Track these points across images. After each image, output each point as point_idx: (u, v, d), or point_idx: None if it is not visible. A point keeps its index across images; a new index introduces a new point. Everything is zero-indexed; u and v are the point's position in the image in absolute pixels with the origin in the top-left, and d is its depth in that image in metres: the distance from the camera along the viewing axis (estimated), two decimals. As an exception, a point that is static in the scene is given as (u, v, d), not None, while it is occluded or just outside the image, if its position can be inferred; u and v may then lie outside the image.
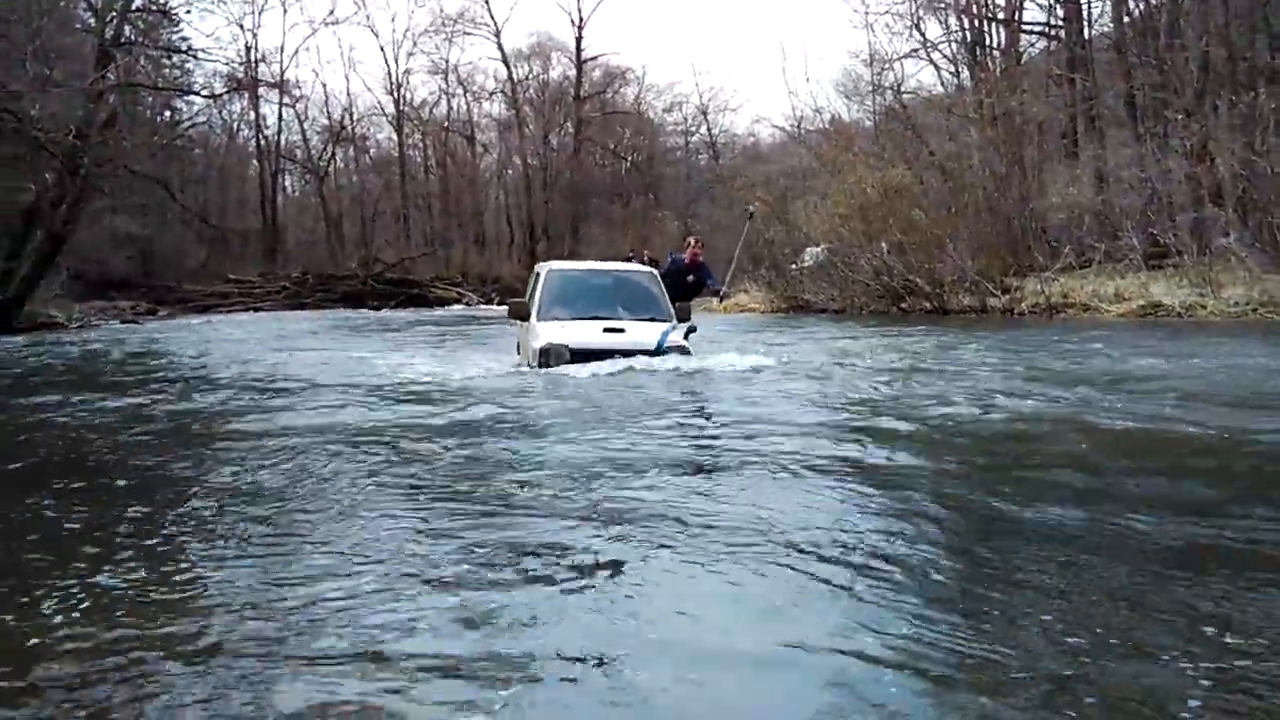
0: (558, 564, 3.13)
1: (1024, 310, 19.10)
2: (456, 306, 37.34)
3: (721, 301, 12.27)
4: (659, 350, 9.13)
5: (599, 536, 3.42)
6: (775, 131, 44.62)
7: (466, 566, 3.11)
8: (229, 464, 4.96)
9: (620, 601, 2.82)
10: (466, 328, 20.71)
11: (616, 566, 3.10)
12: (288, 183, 56.18)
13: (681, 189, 50.49)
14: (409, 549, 3.33)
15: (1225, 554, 3.17)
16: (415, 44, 71.12)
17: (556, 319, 9.81)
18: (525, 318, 10.18)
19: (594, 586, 2.94)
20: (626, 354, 8.95)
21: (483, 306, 37.84)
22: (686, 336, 9.79)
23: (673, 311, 10.10)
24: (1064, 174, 23.30)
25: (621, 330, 9.43)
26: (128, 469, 5.04)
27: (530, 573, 3.05)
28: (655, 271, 11.17)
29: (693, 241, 12.29)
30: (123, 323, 26.56)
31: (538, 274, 10.80)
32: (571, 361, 8.96)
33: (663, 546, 3.31)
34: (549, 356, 9.06)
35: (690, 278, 11.64)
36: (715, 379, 8.55)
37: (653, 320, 9.84)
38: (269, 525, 3.73)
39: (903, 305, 21.00)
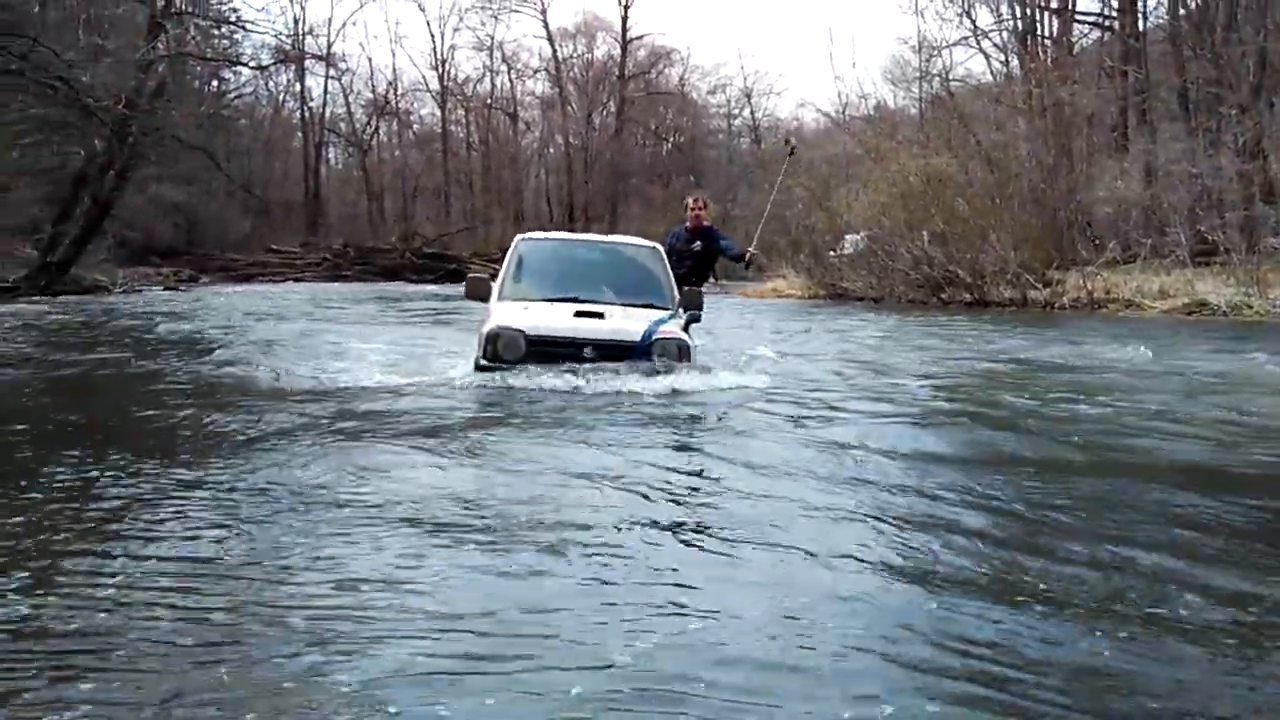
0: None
1: (1065, 304, 18.85)
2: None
3: (749, 268, 9.89)
4: (645, 343, 6.90)
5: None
6: (819, 117, 44.22)
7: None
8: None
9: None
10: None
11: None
12: (331, 155, 56.71)
13: (723, 172, 50.24)
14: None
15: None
16: (461, 20, 71.82)
17: (522, 300, 7.59)
18: (486, 298, 7.70)
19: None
20: (602, 347, 6.84)
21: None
22: (687, 328, 7.54)
23: (677, 297, 7.84)
24: (1112, 167, 22.97)
25: (599, 315, 7.16)
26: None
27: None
28: (658, 246, 8.66)
29: (690, 202, 9.44)
30: (165, 289, 26.91)
31: (512, 246, 8.45)
32: (528, 356, 6.76)
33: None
34: (497, 345, 6.83)
35: (697, 246, 9.04)
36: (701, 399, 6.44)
37: (648, 307, 7.55)
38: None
39: (942, 296, 20.79)
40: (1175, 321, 15.91)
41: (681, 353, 6.98)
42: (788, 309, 20.52)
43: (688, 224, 9.17)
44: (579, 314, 7.14)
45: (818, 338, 12.77)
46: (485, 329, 6.99)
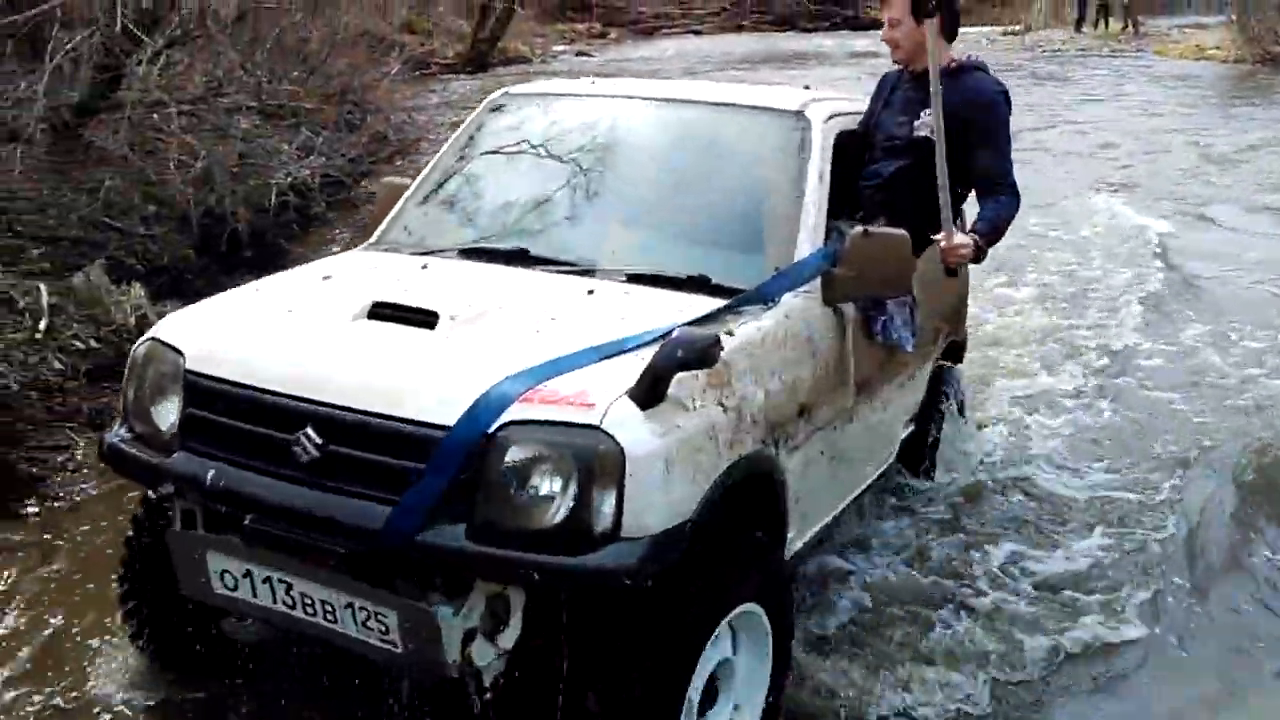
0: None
1: None
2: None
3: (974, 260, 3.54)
4: (469, 433, 2.28)
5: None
6: None
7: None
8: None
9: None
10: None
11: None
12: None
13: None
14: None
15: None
16: None
17: (409, 243, 3.45)
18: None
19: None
20: (341, 432, 2.40)
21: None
22: (661, 377, 2.31)
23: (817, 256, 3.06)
24: None
25: (422, 321, 2.65)
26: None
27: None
28: (804, 113, 3.42)
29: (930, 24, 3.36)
30: (578, 54, 29.10)
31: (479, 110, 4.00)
32: (190, 428, 2.62)
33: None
34: (129, 392, 2.82)
35: (921, 124, 3.54)
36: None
37: (711, 292, 2.91)
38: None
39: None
40: None
41: (592, 476, 2.26)
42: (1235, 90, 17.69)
43: (899, 59, 3.75)
44: (380, 310, 2.75)
45: None
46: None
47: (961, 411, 4.59)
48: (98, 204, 6.73)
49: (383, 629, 2.38)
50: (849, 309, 3.22)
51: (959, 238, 3.40)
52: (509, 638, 2.39)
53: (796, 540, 3.07)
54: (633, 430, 2.26)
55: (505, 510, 2.27)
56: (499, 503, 2.27)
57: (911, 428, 4.15)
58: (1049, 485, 4.61)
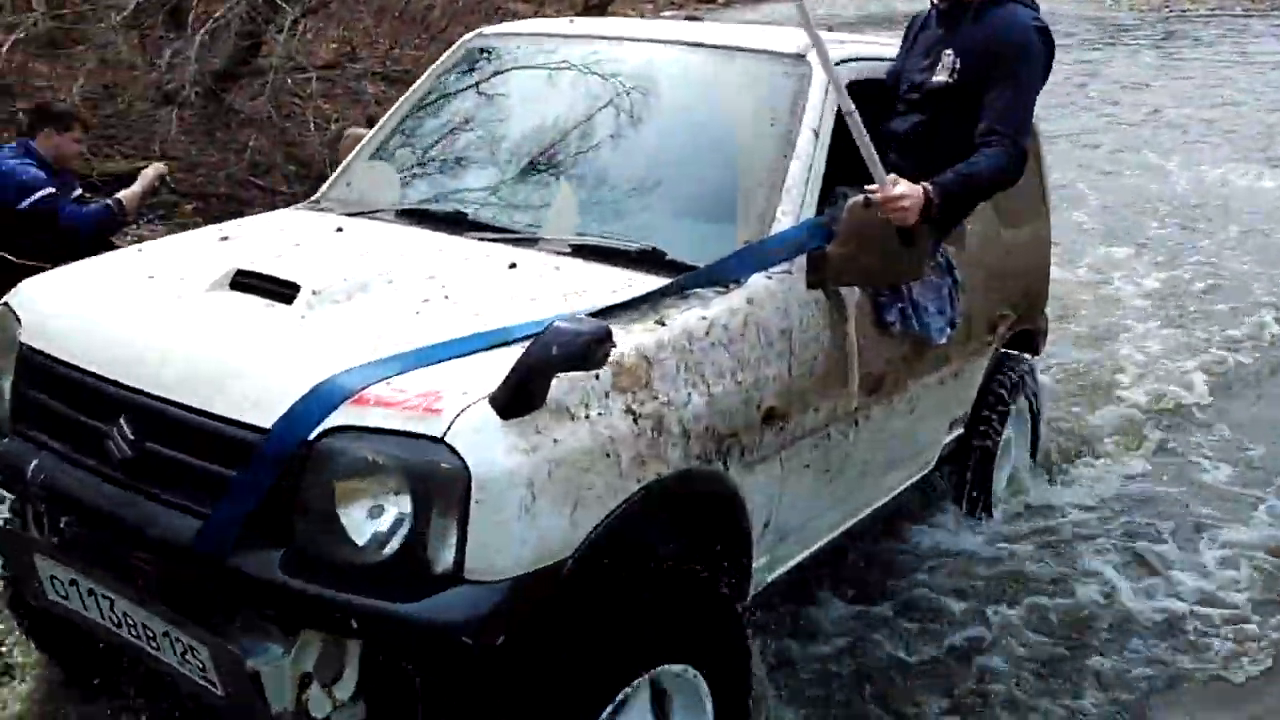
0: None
1: None
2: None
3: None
4: (291, 435, 1.86)
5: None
6: None
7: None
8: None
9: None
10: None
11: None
12: None
13: None
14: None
15: None
16: None
17: (347, 208, 3.01)
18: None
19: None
20: (160, 426, 2.02)
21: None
22: (530, 376, 1.84)
23: (803, 229, 2.55)
24: None
25: (281, 292, 2.21)
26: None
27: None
28: (802, 55, 2.84)
29: None
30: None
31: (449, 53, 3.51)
32: (20, 405, 2.34)
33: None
34: None
35: (944, 68, 2.96)
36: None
37: (660, 268, 2.42)
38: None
39: None
40: None
41: (430, 501, 1.82)
42: None
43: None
44: (241, 280, 2.29)
45: None
46: None
47: (1036, 416, 4.00)
48: (244, 163, 7.11)
49: (200, 666, 1.99)
50: (850, 292, 2.64)
51: (901, 187, 2.51)
52: (346, 688, 2.00)
53: (769, 570, 2.61)
54: (485, 444, 1.79)
55: (328, 538, 1.83)
56: (319, 528, 1.84)
57: (958, 432, 3.56)
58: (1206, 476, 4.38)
